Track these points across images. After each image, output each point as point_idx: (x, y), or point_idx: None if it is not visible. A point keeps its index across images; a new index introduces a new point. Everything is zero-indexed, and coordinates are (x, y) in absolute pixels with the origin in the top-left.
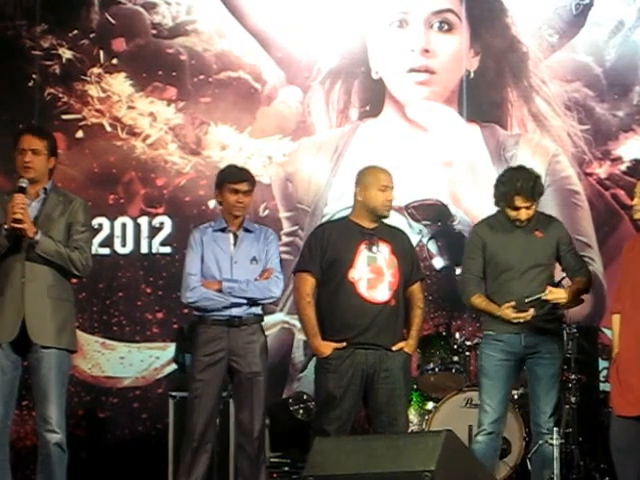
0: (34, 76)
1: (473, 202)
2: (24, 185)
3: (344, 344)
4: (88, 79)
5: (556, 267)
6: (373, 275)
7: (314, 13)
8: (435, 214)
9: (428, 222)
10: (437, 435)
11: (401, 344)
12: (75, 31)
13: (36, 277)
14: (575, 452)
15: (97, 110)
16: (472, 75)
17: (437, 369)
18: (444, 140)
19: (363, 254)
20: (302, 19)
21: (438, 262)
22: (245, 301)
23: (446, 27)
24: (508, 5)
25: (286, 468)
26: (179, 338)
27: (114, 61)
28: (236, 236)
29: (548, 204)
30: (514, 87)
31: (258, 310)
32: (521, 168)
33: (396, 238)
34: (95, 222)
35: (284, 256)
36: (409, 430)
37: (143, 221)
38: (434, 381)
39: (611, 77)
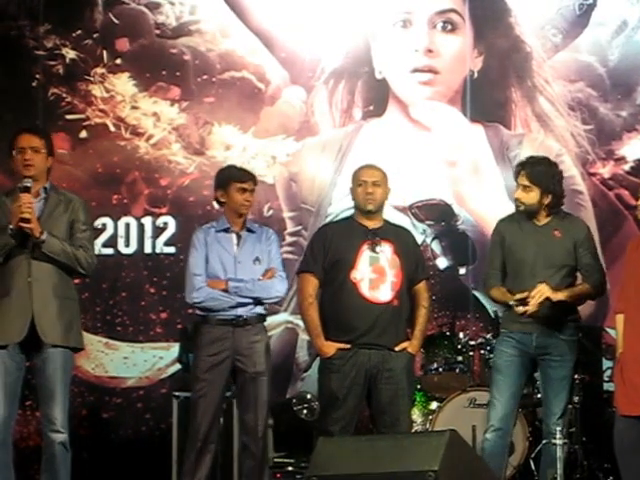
0: (37, 76)
1: (477, 202)
2: (28, 185)
3: (348, 346)
4: (92, 79)
5: None
6: (375, 275)
7: (318, 13)
8: (439, 214)
9: (432, 222)
10: (441, 435)
11: (404, 344)
12: (79, 31)
13: (42, 277)
14: (579, 452)
15: (101, 110)
16: (476, 75)
17: (441, 369)
18: (448, 140)
19: (365, 254)
20: (306, 19)
21: (442, 262)
22: (251, 300)
23: (450, 27)
24: (511, 5)
25: (290, 468)
26: (183, 338)
27: (118, 61)
28: (239, 236)
29: None
30: (518, 87)
31: (261, 310)
32: (542, 156)
33: (399, 237)
34: (99, 222)
35: (288, 256)
36: (413, 430)
37: (147, 221)
38: (438, 381)
39: (614, 77)
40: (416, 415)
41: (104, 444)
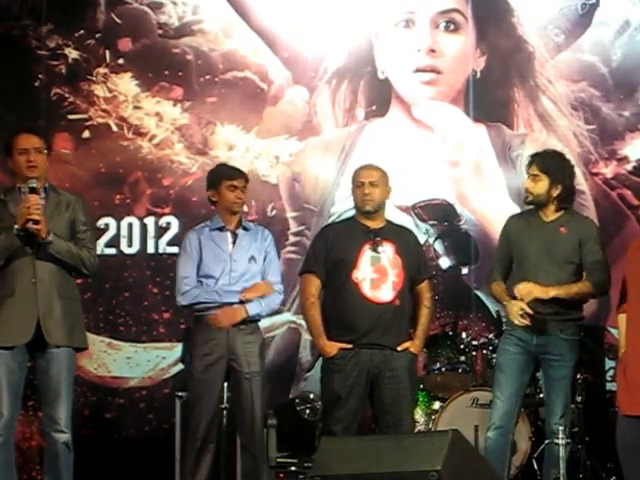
0: (40, 76)
1: (479, 202)
2: (35, 185)
3: (350, 345)
4: (94, 79)
5: None
6: (377, 275)
7: (320, 13)
8: (441, 214)
9: (434, 222)
10: (443, 435)
11: (407, 344)
12: (81, 31)
13: (46, 277)
14: (581, 451)
15: (103, 110)
16: (478, 75)
17: (443, 369)
18: (450, 140)
19: (367, 254)
20: (308, 19)
21: (444, 262)
22: (237, 301)
23: (452, 27)
24: (514, 5)
25: (293, 468)
26: (186, 338)
27: (120, 61)
28: (235, 235)
29: None
30: (520, 87)
31: None
32: (555, 150)
33: (401, 237)
34: (101, 222)
35: (291, 256)
36: (415, 430)
37: (149, 221)
38: (440, 381)
39: (617, 77)
40: (419, 415)
41: (107, 444)
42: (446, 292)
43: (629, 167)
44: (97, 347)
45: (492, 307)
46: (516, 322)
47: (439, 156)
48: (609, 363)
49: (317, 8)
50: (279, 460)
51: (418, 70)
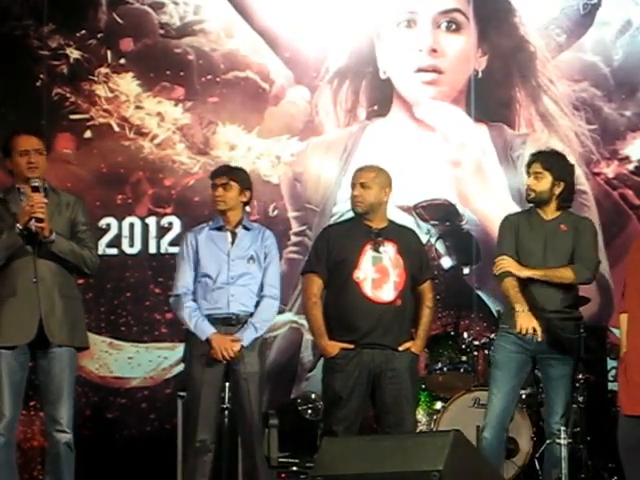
0: (41, 76)
1: (481, 201)
2: (37, 184)
3: (351, 346)
4: (96, 79)
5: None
6: (378, 275)
7: (322, 13)
8: (443, 214)
9: (436, 222)
10: (445, 435)
11: (408, 344)
12: (83, 31)
13: (47, 276)
14: (583, 451)
15: (105, 110)
16: (480, 75)
17: (445, 369)
18: (452, 140)
19: (368, 254)
20: (310, 19)
21: (446, 262)
22: (209, 333)
23: (454, 27)
24: (516, 5)
25: (294, 468)
26: (187, 338)
27: (122, 61)
28: (234, 234)
29: None
30: (522, 87)
31: (254, 309)
32: (556, 149)
33: (403, 237)
34: (103, 222)
35: (293, 256)
36: (417, 430)
37: (151, 221)
38: (442, 381)
39: (619, 77)
40: (420, 415)
41: (108, 444)
42: (447, 292)
43: (631, 167)
44: (99, 347)
45: (493, 307)
46: (522, 332)
47: (440, 156)
48: (611, 363)
49: (318, 8)
50: (281, 460)
51: (420, 70)
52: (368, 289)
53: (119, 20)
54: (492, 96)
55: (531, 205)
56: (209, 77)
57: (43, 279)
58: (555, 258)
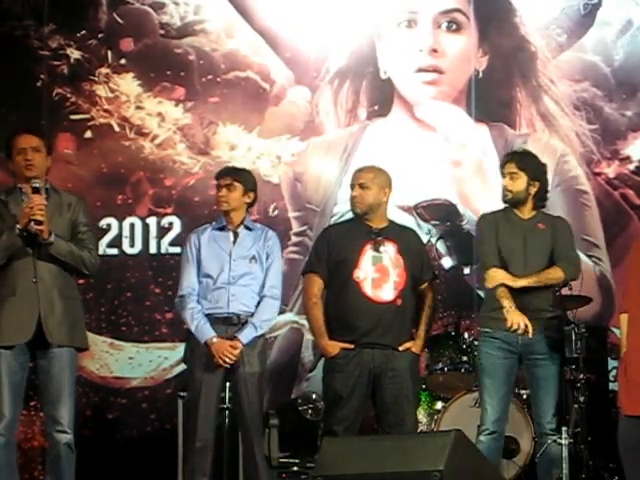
0: (42, 76)
1: (481, 202)
2: (38, 185)
3: (352, 345)
4: (96, 79)
5: None
6: (378, 275)
7: (322, 13)
8: (444, 214)
9: (437, 222)
10: (446, 435)
11: (408, 344)
12: (83, 31)
13: (47, 277)
14: (584, 451)
15: (105, 110)
16: (480, 75)
17: (446, 369)
18: (452, 140)
19: (368, 254)
20: (310, 19)
21: (447, 262)
22: (210, 336)
23: (454, 27)
24: (516, 5)
25: (295, 468)
26: (188, 338)
27: (122, 61)
28: (236, 234)
29: (556, 204)
30: (522, 87)
31: (254, 309)
32: (528, 149)
33: (403, 237)
34: (103, 222)
35: (294, 256)
36: (418, 430)
37: (152, 221)
38: (443, 381)
39: (619, 76)
40: (421, 415)
41: (109, 444)
42: (448, 292)
43: (631, 167)
44: (99, 347)
45: None
46: (513, 328)
47: (441, 156)
48: (612, 363)
49: (319, 8)
50: (281, 460)
51: (420, 70)
52: (368, 289)
53: (119, 20)
54: (493, 96)
55: (506, 206)
56: (210, 77)
57: (43, 279)
58: (535, 256)
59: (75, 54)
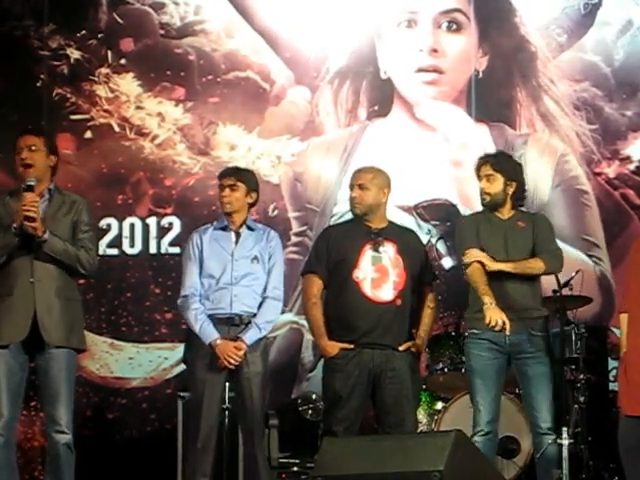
0: (42, 76)
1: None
2: (32, 183)
3: (351, 346)
4: (96, 79)
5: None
6: (377, 275)
7: (322, 13)
8: (444, 214)
9: (437, 222)
10: (446, 435)
11: (408, 344)
12: (83, 31)
13: (45, 277)
14: (584, 451)
15: (105, 110)
16: (481, 75)
17: (446, 369)
18: (452, 140)
19: (368, 254)
20: (310, 19)
21: (447, 262)
22: (214, 338)
23: (455, 27)
24: (516, 5)
25: (295, 468)
26: (188, 338)
27: (122, 61)
28: (238, 234)
29: (557, 204)
30: (523, 87)
31: (256, 309)
32: (501, 150)
33: (403, 238)
34: (103, 222)
35: (293, 256)
36: (418, 430)
37: (152, 221)
38: (443, 381)
39: (620, 76)
40: (421, 415)
41: (109, 444)
42: (449, 292)
43: (632, 167)
44: (99, 347)
45: None
46: (491, 326)
47: (441, 156)
48: (612, 363)
49: (319, 8)
50: (281, 460)
51: (420, 70)
52: (367, 289)
53: (119, 20)
54: (493, 96)
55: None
56: (210, 77)
57: (40, 280)
58: (517, 254)
59: (75, 54)
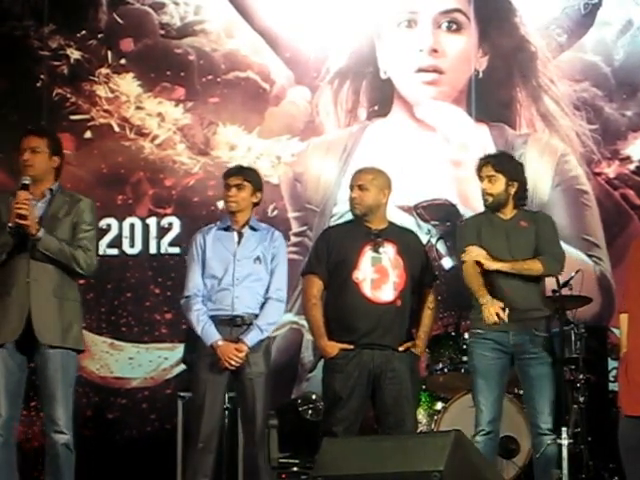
0: (42, 76)
1: (481, 202)
2: (27, 182)
3: (351, 346)
4: (96, 79)
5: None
6: (377, 275)
7: (322, 13)
8: (444, 214)
9: (437, 222)
10: (446, 435)
11: (408, 344)
12: (83, 31)
13: (41, 277)
14: (584, 451)
15: (105, 110)
16: (481, 75)
17: (446, 369)
18: (452, 140)
19: (367, 255)
20: (310, 19)
21: (447, 262)
22: (215, 339)
23: (455, 27)
24: (517, 5)
25: (295, 468)
26: (188, 338)
27: (122, 61)
28: (240, 234)
29: (557, 204)
30: (523, 87)
31: (258, 310)
32: (502, 150)
33: (403, 239)
34: (103, 222)
35: (293, 256)
36: (418, 430)
37: (152, 221)
38: (443, 381)
39: (620, 76)
40: (421, 415)
41: (109, 445)
42: (448, 292)
43: (632, 167)
44: (99, 347)
45: None
46: (490, 321)
47: (441, 156)
48: (612, 363)
49: (319, 8)
50: (281, 461)
51: (420, 70)
52: (367, 289)
53: (119, 20)
54: (493, 96)
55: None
56: (210, 77)
57: (37, 279)
58: (519, 254)
59: (75, 54)
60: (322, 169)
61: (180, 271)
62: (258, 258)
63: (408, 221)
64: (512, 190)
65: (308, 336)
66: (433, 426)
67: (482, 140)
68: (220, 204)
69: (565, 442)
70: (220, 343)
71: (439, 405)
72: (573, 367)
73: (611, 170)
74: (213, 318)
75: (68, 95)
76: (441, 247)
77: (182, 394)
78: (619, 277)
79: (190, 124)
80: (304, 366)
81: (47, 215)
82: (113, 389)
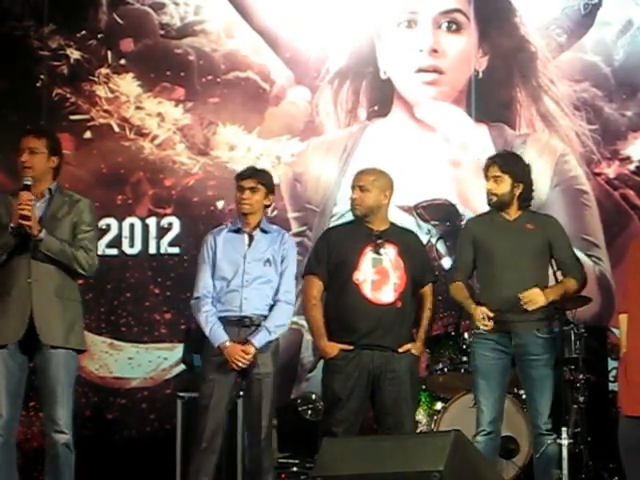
0: (42, 76)
1: (481, 202)
2: (28, 183)
3: (351, 347)
4: (96, 79)
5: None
6: (378, 277)
7: (322, 13)
8: (444, 214)
9: (437, 222)
10: (446, 435)
11: (408, 345)
12: (83, 31)
13: (43, 277)
14: (584, 452)
15: (105, 110)
16: (480, 75)
17: (446, 369)
18: (452, 140)
19: (368, 256)
20: (310, 19)
21: (447, 262)
22: (223, 340)
23: (454, 27)
24: (516, 5)
25: (294, 468)
26: (187, 338)
27: (122, 61)
28: (251, 237)
29: (556, 204)
30: (522, 87)
31: (267, 312)
32: (510, 151)
33: (404, 239)
34: (103, 223)
35: None
36: (417, 431)
37: (151, 221)
38: (443, 381)
39: (620, 77)
40: (421, 415)
41: (108, 445)
42: (448, 292)
43: (632, 167)
44: (99, 348)
45: None
46: (481, 327)
47: (441, 156)
48: (612, 363)
49: (319, 8)
50: (281, 461)
51: (420, 70)
52: (368, 291)
53: (119, 20)
54: (493, 96)
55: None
56: (209, 77)
57: (38, 280)
58: (525, 257)
59: (75, 54)
60: (322, 169)
61: (180, 271)
62: (268, 260)
63: (408, 221)
64: (517, 191)
65: (308, 336)
66: (433, 426)
67: (482, 140)
68: (220, 204)
69: (565, 442)
70: (228, 344)
71: (439, 405)
72: (573, 367)
73: (611, 170)
74: (222, 319)
75: (68, 95)
76: (441, 247)
77: (182, 394)
78: (619, 277)
79: (190, 124)
80: (304, 366)
81: (47, 215)
82: (112, 389)
